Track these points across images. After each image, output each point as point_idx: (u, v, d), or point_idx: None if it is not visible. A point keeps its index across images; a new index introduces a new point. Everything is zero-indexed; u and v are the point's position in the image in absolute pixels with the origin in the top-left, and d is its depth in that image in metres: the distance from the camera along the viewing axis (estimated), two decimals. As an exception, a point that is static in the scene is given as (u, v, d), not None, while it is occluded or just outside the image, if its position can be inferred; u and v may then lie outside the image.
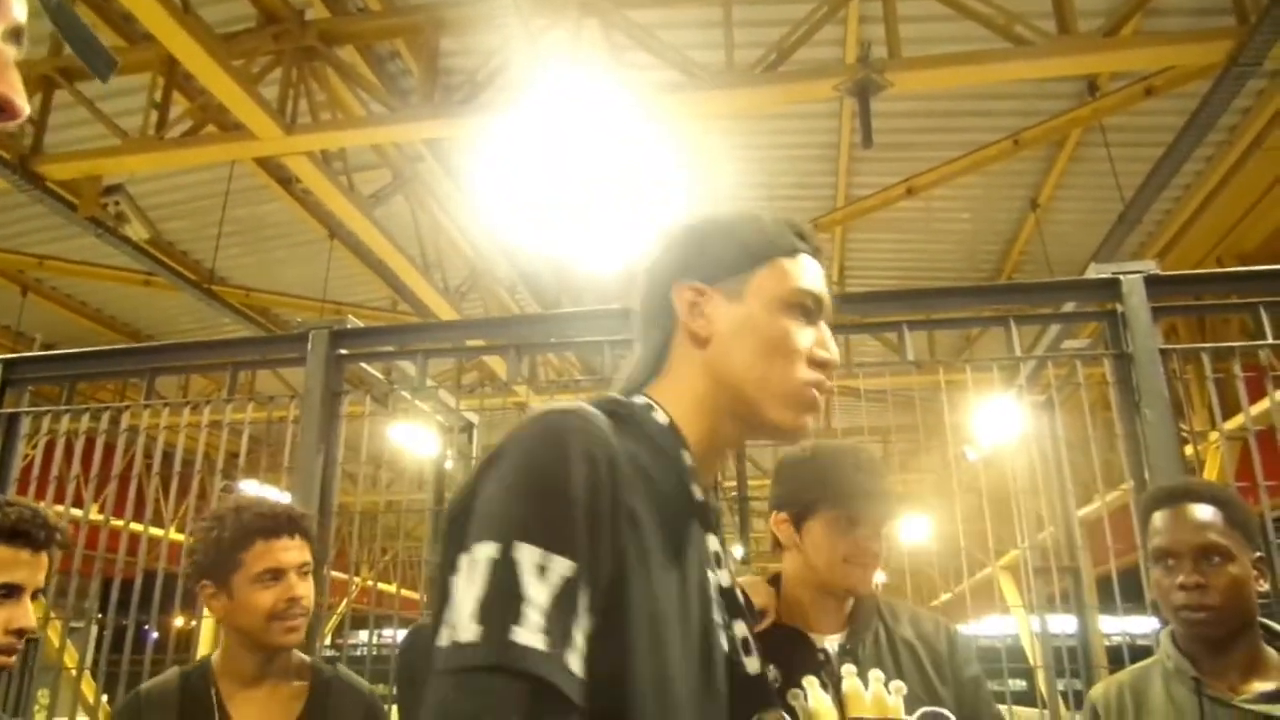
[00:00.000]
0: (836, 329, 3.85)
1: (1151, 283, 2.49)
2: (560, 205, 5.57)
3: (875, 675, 1.48)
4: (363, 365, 3.16)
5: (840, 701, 1.46)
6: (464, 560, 0.72)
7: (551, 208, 5.59)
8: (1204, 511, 1.55)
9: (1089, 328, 4.03)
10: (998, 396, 3.69)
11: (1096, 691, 1.73)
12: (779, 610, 1.58)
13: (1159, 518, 1.60)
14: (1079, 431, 3.05)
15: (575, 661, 0.69)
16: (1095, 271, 2.52)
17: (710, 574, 0.88)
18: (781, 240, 0.97)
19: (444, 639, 0.69)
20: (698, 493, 0.88)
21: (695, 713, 0.79)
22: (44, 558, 1.50)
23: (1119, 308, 2.50)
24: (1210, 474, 5.02)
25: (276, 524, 1.69)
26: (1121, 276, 2.45)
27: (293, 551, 1.68)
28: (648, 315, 0.99)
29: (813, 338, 0.95)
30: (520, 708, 0.65)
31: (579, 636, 0.70)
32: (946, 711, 1.46)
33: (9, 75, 0.50)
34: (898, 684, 1.47)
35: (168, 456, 3.25)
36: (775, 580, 1.64)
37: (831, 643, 1.54)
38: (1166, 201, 5.96)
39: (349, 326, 3.08)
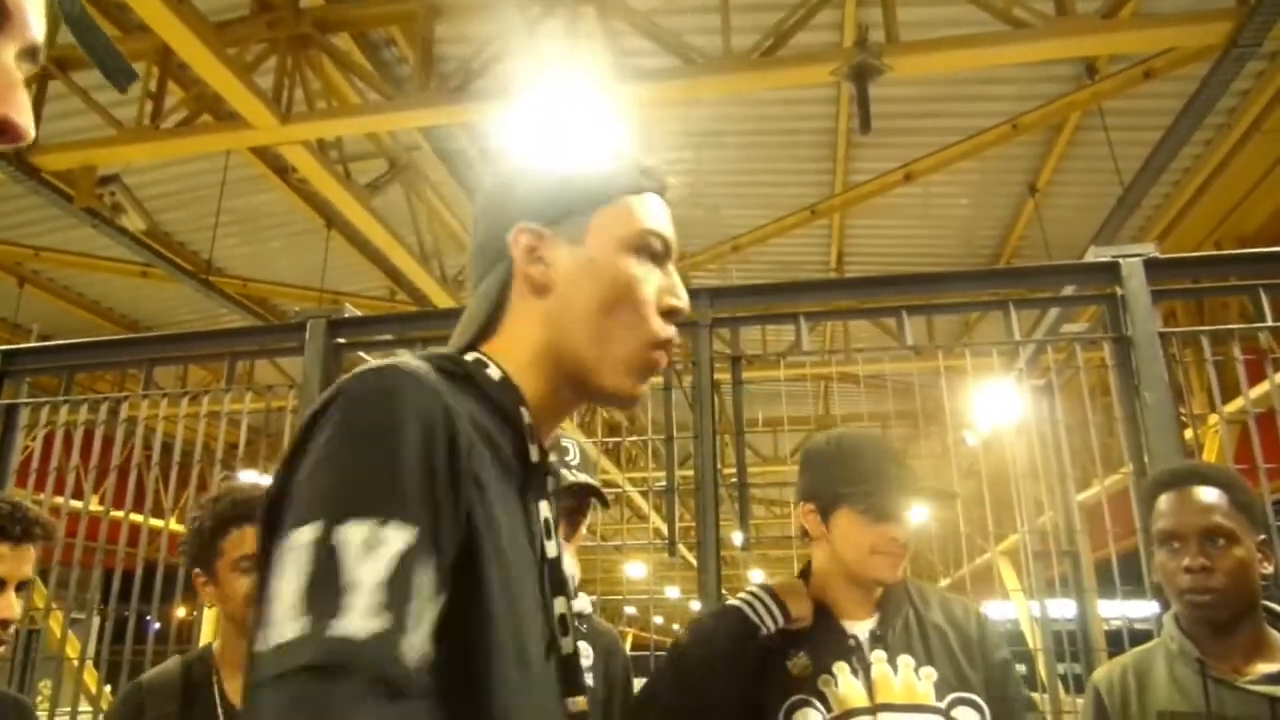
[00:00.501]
0: (836, 315, 3.83)
1: (1151, 266, 2.49)
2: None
3: (905, 661, 1.50)
4: (361, 354, 3.16)
5: (870, 687, 1.48)
6: (282, 549, 0.64)
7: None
8: (1209, 494, 1.55)
9: (1088, 311, 4.03)
10: (997, 381, 3.69)
11: (1099, 674, 1.73)
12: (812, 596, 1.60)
13: (1164, 500, 1.60)
14: (1078, 416, 3.05)
15: (413, 643, 0.62)
16: (1094, 255, 2.51)
17: (544, 543, 0.82)
18: (624, 177, 0.90)
19: (262, 642, 0.61)
20: (534, 454, 0.82)
21: (540, 686, 0.75)
22: (27, 550, 1.55)
23: (1118, 291, 2.49)
24: (1210, 457, 5.03)
25: (250, 510, 1.69)
26: (1121, 260, 2.45)
27: None
28: (482, 262, 0.91)
29: (660, 283, 0.88)
30: (348, 707, 0.58)
31: (421, 613, 0.63)
32: (976, 697, 1.47)
33: (16, 96, 0.48)
34: (928, 670, 1.49)
35: (167, 447, 3.24)
36: (807, 570, 1.66)
37: (862, 629, 1.55)
38: (1165, 185, 5.95)
39: (346, 315, 3.07)
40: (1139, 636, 1.96)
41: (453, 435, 0.69)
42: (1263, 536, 1.56)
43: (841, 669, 1.49)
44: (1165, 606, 1.72)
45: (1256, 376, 2.74)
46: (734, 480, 2.87)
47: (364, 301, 7.38)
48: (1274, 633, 1.53)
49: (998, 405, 4.55)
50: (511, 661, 0.70)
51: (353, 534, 0.62)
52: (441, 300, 6.50)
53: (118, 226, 5.47)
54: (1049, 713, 3.84)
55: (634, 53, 4.65)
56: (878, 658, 1.50)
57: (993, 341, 2.70)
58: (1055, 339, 2.68)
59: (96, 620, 3.62)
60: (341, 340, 3.04)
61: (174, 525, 4.55)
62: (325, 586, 0.61)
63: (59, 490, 3.12)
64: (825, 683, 1.47)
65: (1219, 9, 3.90)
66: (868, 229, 7.07)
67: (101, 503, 3.28)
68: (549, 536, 0.81)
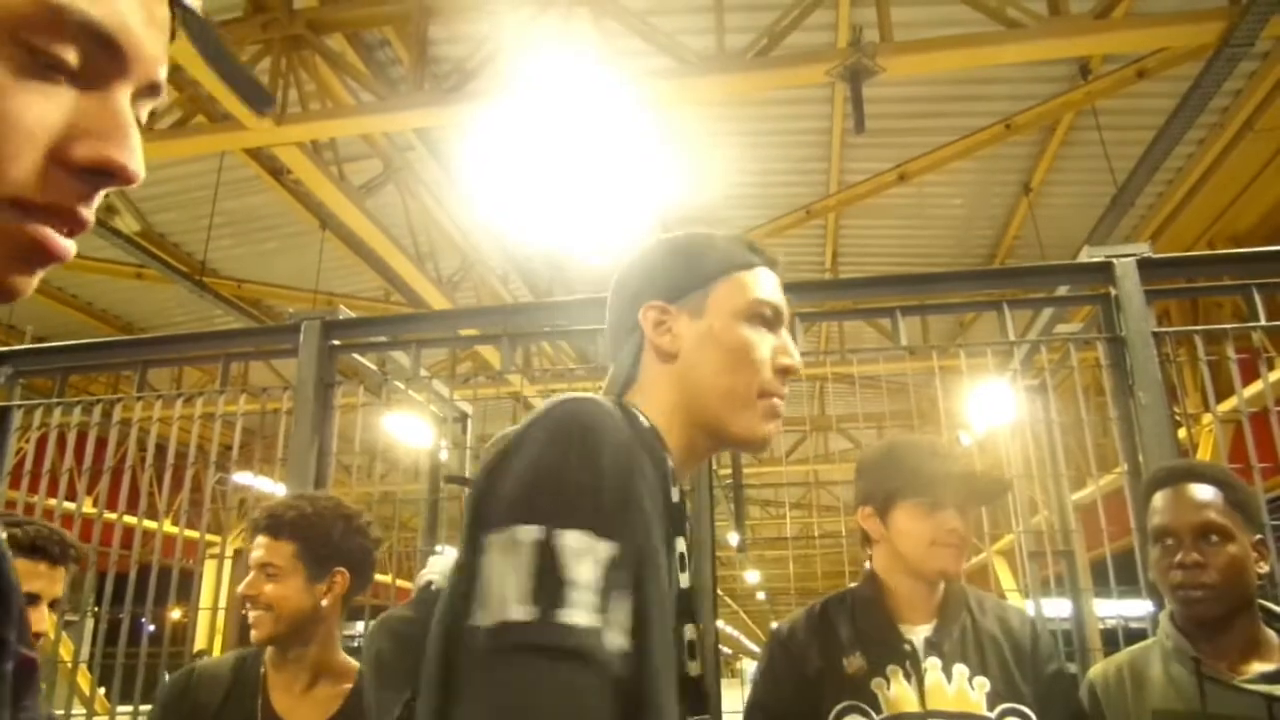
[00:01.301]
0: (831, 315, 3.81)
1: (1144, 265, 2.49)
2: (553, 193, 5.55)
3: (960, 670, 1.51)
4: (356, 356, 3.15)
5: (922, 693, 1.49)
6: (497, 541, 0.73)
7: (544, 196, 5.57)
8: (1204, 491, 1.55)
9: (1082, 311, 4.03)
10: (991, 382, 3.69)
11: (1095, 671, 1.73)
12: (871, 600, 1.62)
13: (1159, 498, 1.60)
14: (1073, 416, 3.05)
15: (618, 638, 0.72)
16: (1088, 255, 2.51)
17: (678, 575, 0.92)
18: (736, 255, 1.03)
19: (484, 618, 0.70)
20: (675, 495, 0.91)
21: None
22: (60, 571, 1.71)
23: (1112, 291, 2.50)
24: (1204, 457, 5.04)
25: (255, 522, 1.74)
26: (1114, 260, 2.45)
27: (259, 550, 1.71)
28: (616, 334, 1.04)
29: (774, 345, 0.99)
30: (577, 686, 0.68)
31: (621, 615, 0.73)
32: (1026, 709, 1.48)
33: (129, 140, 0.47)
34: (981, 680, 1.50)
35: (160, 449, 3.23)
36: (870, 577, 1.67)
37: (918, 634, 1.56)
38: (1159, 185, 5.96)
39: (341, 317, 3.06)
40: (1134, 635, 1.96)
41: (636, 463, 0.80)
42: (1259, 536, 1.56)
43: (895, 673, 1.51)
44: (1160, 605, 1.72)
45: (1250, 376, 2.75)
46: (729, 481, 2.87)
47: (359, 303, 7.37)
48: (1270, 632, 1.53)
49: (992, 405, 4.56)
50: (663, 670, 0.78)
51: (571, 540, 0.72)
52: (437, 301, 6.49)
53: (111, 228, 5.46)
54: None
55: (629, 53, 4.65)
56: (932, 665, 1.51)
57: (987, 342, 2.70)
58: (1049, 339, 2.68)
59: (90, 623, 3.61)
60: (336, 342, 3.03)
61: (168, 527, 4.53)
62: (549, 580, 0.70)
63: (52, 492, 3.11)
64: (878, 685, 1.49)
65: (1211, 8, 3.91)
66: (863, 229, 7.07)
67: (95, 505, 3.27)
68: (683, 569, 0.91)
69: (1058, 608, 3.71)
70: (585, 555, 0.72)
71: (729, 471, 7.51)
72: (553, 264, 6.86)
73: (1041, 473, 3.14)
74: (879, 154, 5.94)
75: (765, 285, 1.02)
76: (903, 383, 8.12)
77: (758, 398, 0.97)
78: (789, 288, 2.98)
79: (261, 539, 1.71)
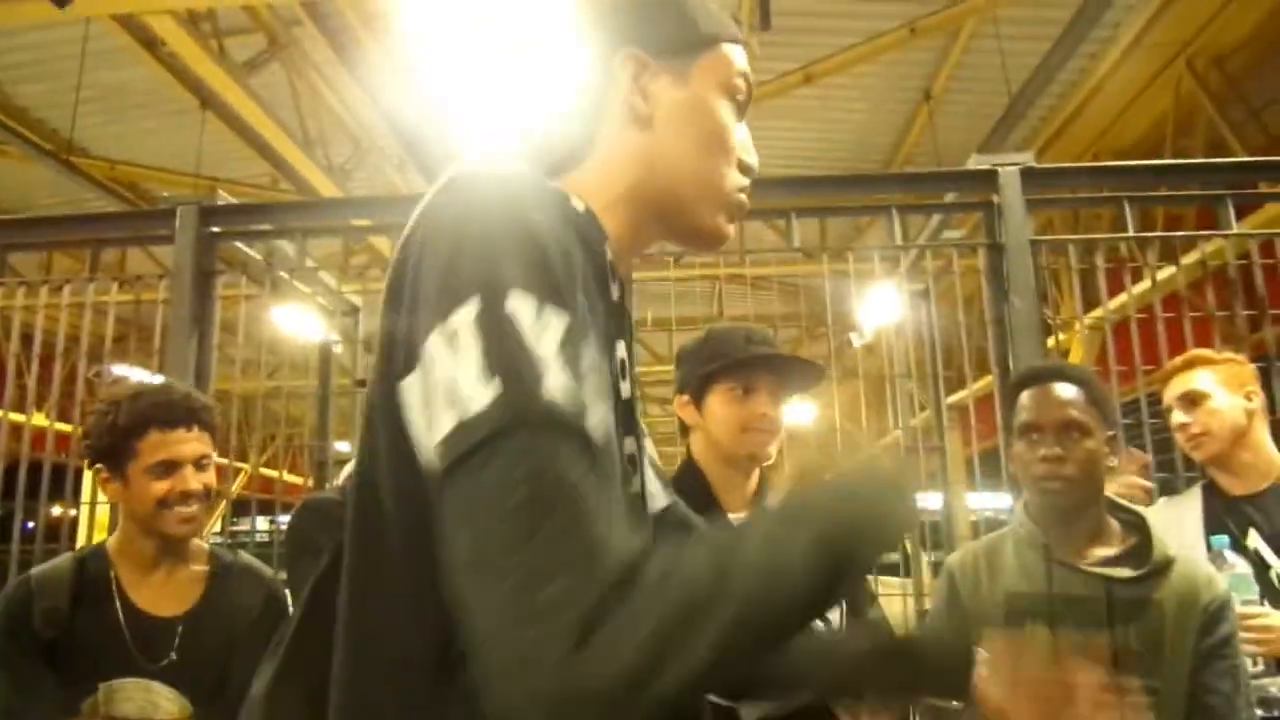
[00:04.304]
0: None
1: (1027, 175, 2.57)
2: (456, 75, 5.33)
3: None
4: (240, 245, 3.01)
5: None
6: (437, 340, 0.60)
7: (446, 77, 5.35)
8: (1067, 390, 1.64)
9: (971, 220, 4.15)
10: (881, 285, 3.80)
11: (953, 558, 1.85)
12: (690, 488, 1.62)
13: (1026, 395, 1.68)
14: (956, 320, 3.18)
15: (597, 412, 0.61)
16: (974, 163, 2.57)
17: (619, 383, 0.79)
18: (727, 24, 0.89)
19: (440, 428, 0.57)
20: (615, 292, 0.79)
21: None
22: (199, 432, 1.66)
23: (995, 199, 2.57)
24: (1074, 360, 5.33)
25: (173, 414, 1.64)
26: (998, 168, 2.52)
27: (190, 444, 1.64)
28: (577, 82, 0.85)
29: (743, 139, 0.88)
30: (571, 459, 0.56)
31: (594, 387, 0.62)
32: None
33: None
34: None
35: (27, 338, 3.06)
36: (688, 465, 1.68)
37: (738, 519, 1.60)
38: (1051, 97, 6.09)
39: (220, 203, 2.92)
40: (1001, 526, 2.10)
41: (573, 250, 0.67)
42: (1111, 433, 1.67)
43: None
44: (1019, 496, 1.84)
45: (1123, 285, 2.89)
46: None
47: (245, 189, 7.01)
48: (1113, 521, 1.66)
49: (881, 309, 4.70)
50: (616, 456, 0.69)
51: (522, 304, 0.59)
52: (328, 191, 6.23)
53: (-37, 98, 5.01)
54: (914, 595, 4.12)
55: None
56: None
57: (874, 246, 2.77)
58: (933, 244, 2.76)
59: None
60: (215, 229, 2.89)
61: (39, 420, 4.33)
62: (510, 351, 0.58)
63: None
64: None
65: (1111, -80, 3.94)
66: (767, 130, 7.04)
67: (-44, 396, 3.09)
68: (623, 377, 0.79)
69: (932, 501, 3.93)
70: (543, 324, 0.59)
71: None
72: (451, 152, 6.64)
73: (922, 374, 3.27)
74: (785, 53, 5.88)
75: (745, 64, 0.89)
76: (797, 285, 8.29)
77: (729, 191, 0.85)
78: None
79: (186, 432, 1.64)
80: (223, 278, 2.93)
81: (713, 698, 1.47)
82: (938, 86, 6.28)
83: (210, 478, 1.68)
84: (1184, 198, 2.77)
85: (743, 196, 0.87)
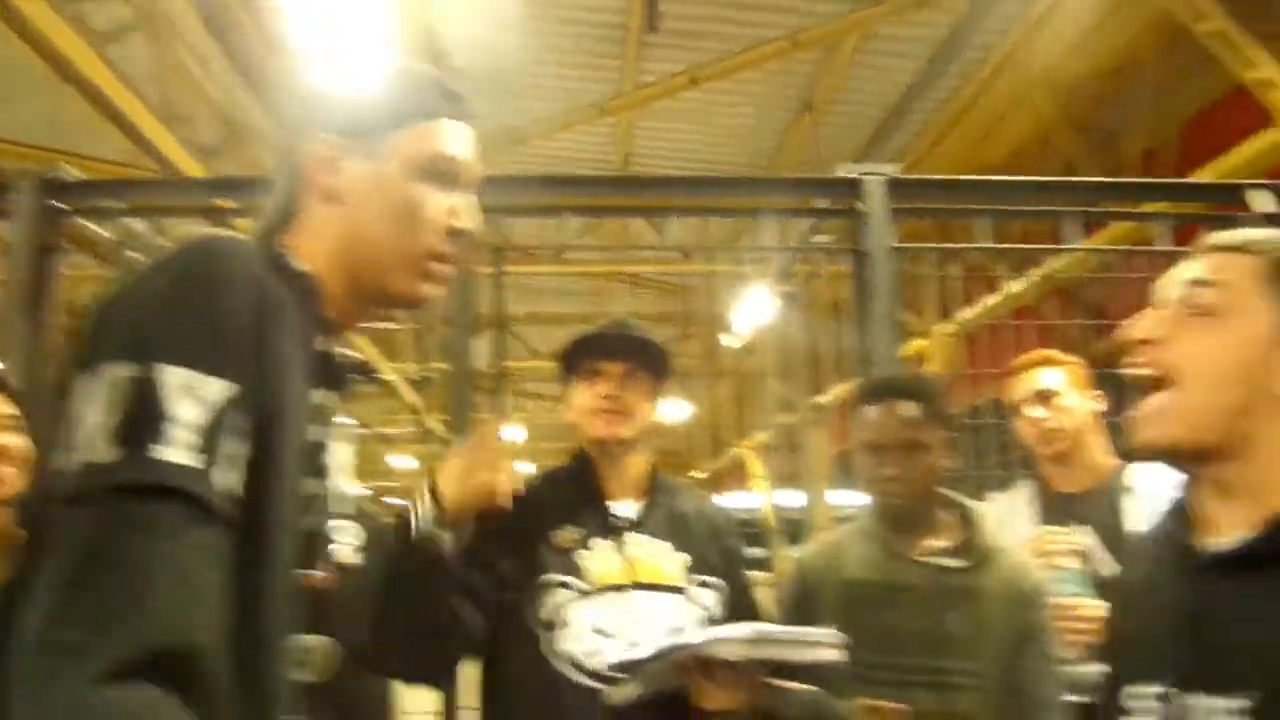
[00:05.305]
0: (614, 211, 3.79)
1: (891, 185, 2.66)
2: (330, 57, 5.16)
3: (662, 546, 1.60)
4: (89, 224, 2.83)
5: (626, 566, 1.57)
6: (94, 379, 0.68)
7: (321, 59, 5.18)
8: (908, 409, 1.70)
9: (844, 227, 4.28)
10: (755, 288, 3.88)
11: (805, 552, 1.91)
12: (578, 476, 1.67)
13: (869, 412, 1.74)
14: (826, 325, 3.27)
15: (223, 476, 0.69)
16: (841, 172, 2.65)
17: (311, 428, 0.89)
18: (426, 101, 0.95)
19: (72, 461, 0.66)
20: (320, 342, 0.88)
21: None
22: None
23: (861, 207, 2.65)
24: (935, 366, 5.55)
25: None
26: (864, 177, 2.60)
27: None
28: (281, 165, 0.95)
29: (449, 205, 0.94)
30: (168, 525, 0.65)
31: (231, 460, 0.70)
32: (717, 579, 1.62)
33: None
34: (682, 555, 1.60)
35: None
36: (579, 453, 1.71)
37: (624, 509, 1.64)
38: (925, 114, 6.36)
39: (65, 177, 2.74)
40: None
41: (275, 308, 0.77)
42: (950, 435, 1.75)
43: (598, 544, 1.58)
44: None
45: (986, 292, 3.04)
46: (501, 373, 2.86)
47: (104, 167, 6.63)
48: (945, 515, 1.74)
49: (753, 311, 4.81)
50: (286, 528, 0.77)
51: (174, 376, 0.68)
52: (194, 171, 5.94)
53: None
54: (776, 588, 4.24)
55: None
56: (637, 540, 1.60)
57: (742, 248, 2.83)
58: (800, 249, 2.84)
59: None
60: (60, 205, 2.71)
61: None
62: (144, 417, 0.67)
63: None
64: (581, 556, 1.56)
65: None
66: (656, 132, 7.12)
67: None
68: (320, 422, 0.88)
69: (797, 498, 4.04)
70: (189, 392, 0.68)
71: (513, 365, 7.55)
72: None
73: (791, 377, 3.36)
74: (673, 55, 5.95)
75: (452, 139, 0.96)
76: (673, 285, 8.38)
77: (422, 257, 0.92)
78: (559, 181, 2.95)
79: None
80: (68, 256, 2.75)
81: (584, 679, 1.49)
82: (819, 97, 6.47)
83: (19, 440, 1.58)
84: (1035, 212, 2.92)
85: (440, 264, 0.94)
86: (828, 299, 2.88)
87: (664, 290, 8.35)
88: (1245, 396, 0.86)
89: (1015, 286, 2.84)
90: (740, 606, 1.63)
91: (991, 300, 2.93)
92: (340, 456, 0.97)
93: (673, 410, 8.87)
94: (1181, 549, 0.93)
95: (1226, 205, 2.79)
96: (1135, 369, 0.92)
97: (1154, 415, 0.90)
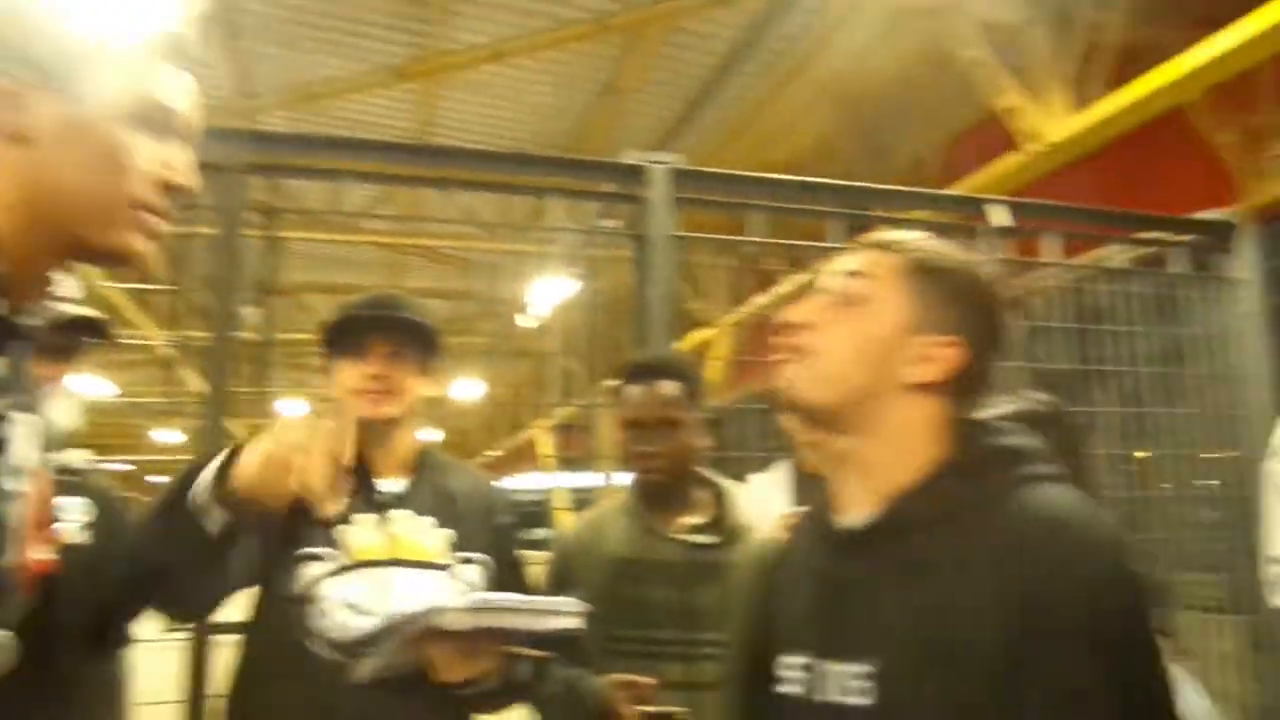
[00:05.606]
0: (398, 180, 3.68)
1: (677, 175, 2.74)
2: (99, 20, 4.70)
3: (426, 522, 1.59)
4: None
5: (388, 542, 1.55)
6: None
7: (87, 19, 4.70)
8: (668, 387, 1.77)
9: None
10: (548, 269, 3.90)
11: (567, 529, 1.95)
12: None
13: (630, 390, 1.80)
14: (615, 308, 3.33)
15: None
16: (627, 158, 2.71)
17: None
18: (140, 41, 0.88)
19: None
20: (3, 307, 0.80)
21: None
22: None
23: (646, 194, 2.72)
24: (719, 351, 5.75)
25: None
26: (648, 165, 2.66)
27: None
28: None
29: (162, 157, 0.87)
30: None
31: None
32: (484, 555, 1.61)
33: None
34: (447, 532, 1.59)
35: None
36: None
37: (389, 485, 1.61)
38: (722, 109, 6.57)
39: None
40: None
41: None
42: (705, 415, 1.84)
43: (362, 520, 1.55)
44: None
45: (763, 286, 3.19)
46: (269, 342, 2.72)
47: None
48: (701, 493, 1.83)
49: (547, 292, 4.83)
50: None
51: None
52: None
53: None
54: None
55: None
56: (401, 516, 1.58)
57: (529, 226, 2.83)
58: (584, 231, 2.87)
59: None
60: None
61: None
62: None
63: None
64: (343, 532, 1.52)
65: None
66: (457, 104, 6.96)
67: None
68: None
69: (586, 479, 4.11)
70: None
71: (290, 335, 7.18)
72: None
73: (582, 358, 3.40)
74: (479, 27, 5.85)
75: (169, 86, 0.88)
76: (477, 261, 8.28)
77: (127, 208, 0.84)
78: (349, 144, 2.84)
79: None
80: None
81: (335, 654, 1.45)
82: (622, 83, 6.54)
83: None
84: (804, 211, 3.10)
85: (149, 215, 0.86)
86: (615, 283, 2.94)
87: (463, 266, 8.22)
88: (873, 378, 0.96)
89: (788, 283, 3.00)
90: (507, 583, 1.62)
91: (766, 295, 3.09)
92: (41, 427, 0.88)
93: (466, 390, 8.77)
94: (823, 526, 1.02)
95: (975, 217, 3.08)
96: (783, 347, 1.00)
97: (793, 379, 0.99)
